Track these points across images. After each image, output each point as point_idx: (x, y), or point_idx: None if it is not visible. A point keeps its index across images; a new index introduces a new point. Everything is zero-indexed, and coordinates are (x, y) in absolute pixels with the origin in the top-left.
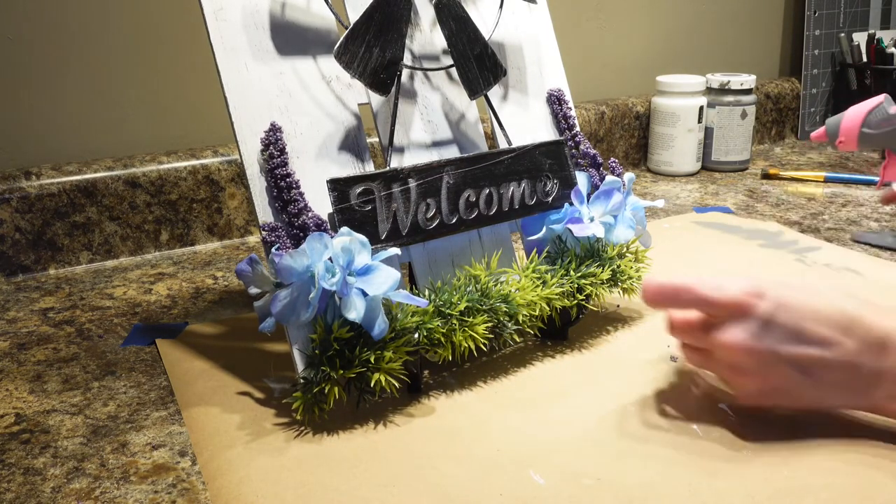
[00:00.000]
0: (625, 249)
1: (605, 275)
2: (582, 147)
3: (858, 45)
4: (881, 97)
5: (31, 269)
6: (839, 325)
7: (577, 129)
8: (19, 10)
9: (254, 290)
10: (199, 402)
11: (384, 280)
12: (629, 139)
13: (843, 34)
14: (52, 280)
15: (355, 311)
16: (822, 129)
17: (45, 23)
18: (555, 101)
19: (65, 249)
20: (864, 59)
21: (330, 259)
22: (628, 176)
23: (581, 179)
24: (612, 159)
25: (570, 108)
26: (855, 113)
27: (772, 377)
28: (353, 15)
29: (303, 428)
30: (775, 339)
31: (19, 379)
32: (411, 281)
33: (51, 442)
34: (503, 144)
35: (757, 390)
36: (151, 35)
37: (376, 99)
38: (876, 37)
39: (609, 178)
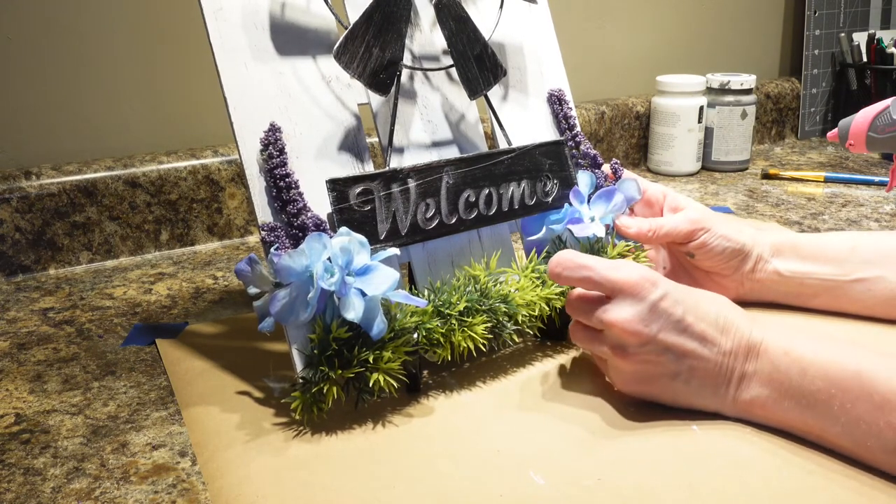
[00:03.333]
0: (626, 249)
1: None
2: (583, 147)
3: (858, 45)
4: (889, 101)
5: (31, 269)
6: (717, 324)
7: (578, 129)
8: (19, 10)
9: (253, 290)
10: (199, 402)
11: (383, 280)
12: (629, 139)
13: (843, 34)
14: (52, 280)
15: (354, 311)
16: (836, 130)
17: (45, 23)
18: (555, 101)
19: (65, 249)
20: (864, 59)
21: (329, 259)
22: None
23: (584, 179)
24: (614, 160)
25: (571, 109)
26: (863, 116)
27: (649, 363)
28: (353, 15)
29: (302, 428)
30: (659, 325)
31: (19, 379)
32: (411, 281)
33: (51, 442)
34: (503, 144)
35: (633, 374)
36: (152, 35)
37: (376, 99)
38: (876, 37)
39: (627, 180)
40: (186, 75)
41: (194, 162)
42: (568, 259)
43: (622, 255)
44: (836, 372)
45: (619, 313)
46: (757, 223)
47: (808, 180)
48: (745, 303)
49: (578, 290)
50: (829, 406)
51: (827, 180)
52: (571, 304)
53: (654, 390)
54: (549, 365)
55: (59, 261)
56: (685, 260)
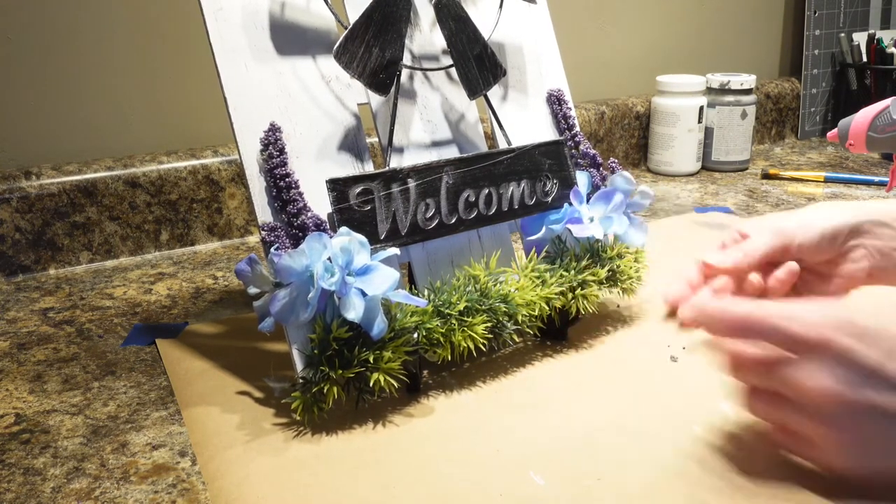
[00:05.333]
0: (625, 249)
1: (603, 274)
2: (582, 147)
3: (858, 45)
4: (888, 101)
5: (31, 269)
6: None
7: (577, 129)
8: (19, 10)
9: (253, 290)
10: (199, 402)
11: (383, 280)
12: (629, 139)
13: (843, 34)
14: (52, 280)
15: (354, 311)
16: (836, 130)
17: (46, 23)
18: (555, 100)
19: (65, 249)
20: (864, 59)
21: (329, 259)
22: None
23: (581, 179)
24: (612, 159)
25: (570, 108)
26: (863, 116)
27: (866, 427)
28: (353, 15)
29: (302, 428)
30: (865, 384)
31: (19, 379)
32: (411, 281)
33: (51, 442)
34: (503, 144)
35: (848, 447)
36: (151, 35)
37: (376, 99)
38: (876, 37)
39: (617, 175)
40: (186, 75)
41: (194, 162)
42: (728, 313)
43: (620, 255)
44: None
45: (811, 378)
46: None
47: (808, 180)
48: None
49: (743, 348)
50: None
51: (827, 180)
52: (737, 366)
53: (880, 462)
54: (549, 365)
55: (59, 261)
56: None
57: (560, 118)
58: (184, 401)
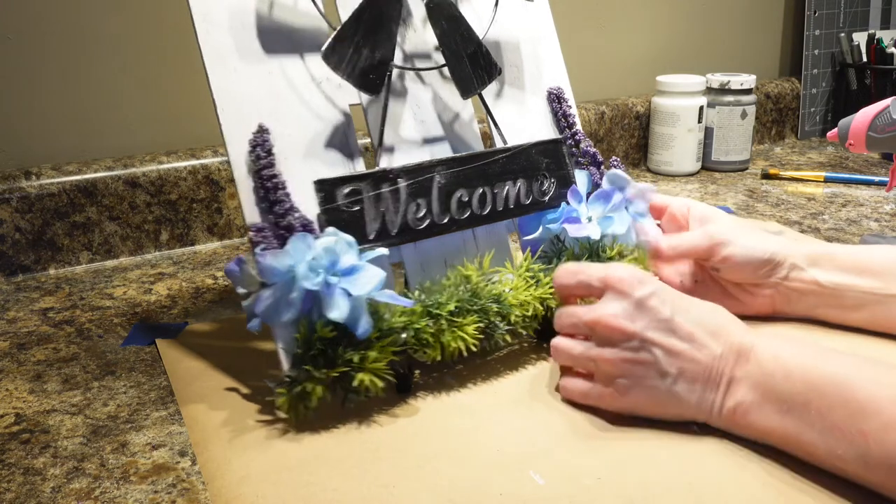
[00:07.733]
0: (625, 249)
1: None
2: (582, 145)
3: (858, 45)
4: (888, 101)
5: (31, 269)
6: (708, 328)
7: (578, 127)
8: (19, 10)
9: (241, 290)
10: (199, 401)
11: (368, 280)
12: (629, 139)
13: (843, 34)
14: (52, 280)
15: (338, 311)
16: (836, 130)
17: (45, 23)
18: (554, 98)
19: (65, 249)
20: (864, 59)
21: (314, 259)
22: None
23: (581, 178)
24: (614, 158)
25: (571, 106)
26: (863, 116)
27: (636, 363)
28: (344, 14)
29: (303, 428)
30: (645, 322)
31: (19, 379)
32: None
33: (51, 442)
34: (499, 143)
35: (619, 379)
36: (151, 35)
37: (367, 99)
38: (876, 37)
39: (613, 172)
40: (186, 75)
41: (194, 162)
42: (564, 268)
43: (621, 255)
44: (816, 376)
45: (604, 309)
46: (794, 234)
47: (808, 180)
48: (785, 317)
49: (564, 305)
50: (807, 411)
51: (827, 180)
52: (559, 318)
53: (639, 398)
54: (547, 365)
55: (59, 261)
56: (714, 272)
57: (560, 116)
58: (184, 400)
